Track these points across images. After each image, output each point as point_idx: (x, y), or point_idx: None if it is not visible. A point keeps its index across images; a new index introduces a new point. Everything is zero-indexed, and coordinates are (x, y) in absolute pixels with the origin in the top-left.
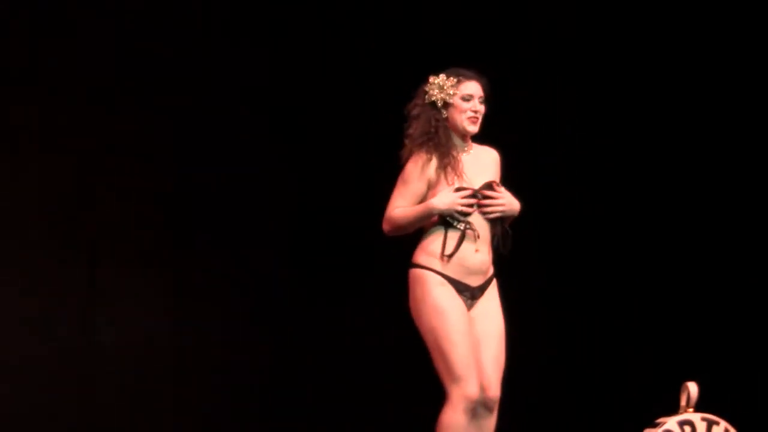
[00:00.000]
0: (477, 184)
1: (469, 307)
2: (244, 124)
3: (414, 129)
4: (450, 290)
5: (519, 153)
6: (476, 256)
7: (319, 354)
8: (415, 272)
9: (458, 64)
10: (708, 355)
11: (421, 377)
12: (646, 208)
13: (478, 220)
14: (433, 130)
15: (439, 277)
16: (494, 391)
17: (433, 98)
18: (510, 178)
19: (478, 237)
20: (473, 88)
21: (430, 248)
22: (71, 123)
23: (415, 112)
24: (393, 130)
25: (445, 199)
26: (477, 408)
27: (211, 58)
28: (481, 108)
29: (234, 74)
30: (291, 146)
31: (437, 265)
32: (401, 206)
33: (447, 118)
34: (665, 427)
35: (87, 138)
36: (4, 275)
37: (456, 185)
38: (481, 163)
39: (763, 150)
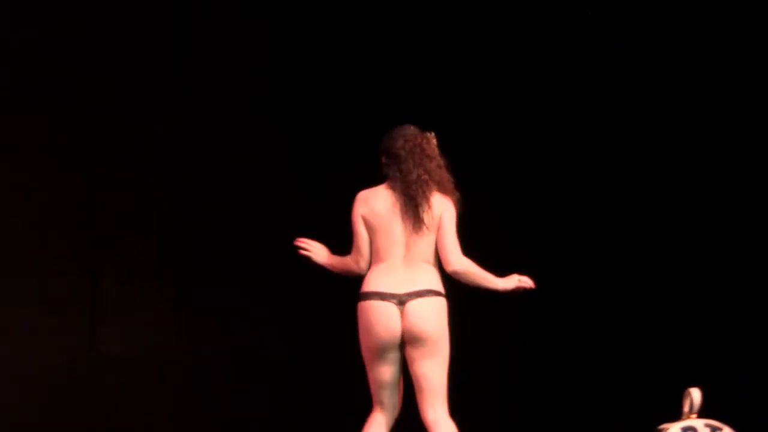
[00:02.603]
0: None
1: None
2: (244, 128)
3: (443, 174)
4: None
5: None
6: None
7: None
8: (445, 303)
9: None
10: (711, 361)
11: None
12: (648, 209)
13: None
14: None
15: None
16: None
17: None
18: None
19: None
20: None
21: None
22: (76, 136)
23: (433, 157)
24: None
25: None
26: None
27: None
28: None
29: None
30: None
31: None
32: None
33: None
34: None
35: (91, 151)
36: (8, 286)
37: None
38: None
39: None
